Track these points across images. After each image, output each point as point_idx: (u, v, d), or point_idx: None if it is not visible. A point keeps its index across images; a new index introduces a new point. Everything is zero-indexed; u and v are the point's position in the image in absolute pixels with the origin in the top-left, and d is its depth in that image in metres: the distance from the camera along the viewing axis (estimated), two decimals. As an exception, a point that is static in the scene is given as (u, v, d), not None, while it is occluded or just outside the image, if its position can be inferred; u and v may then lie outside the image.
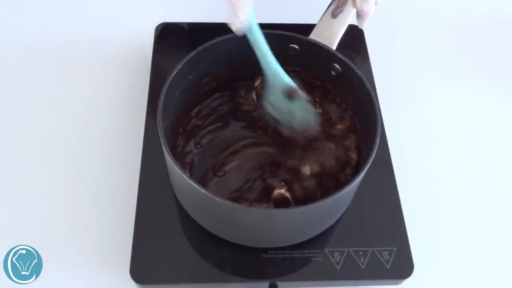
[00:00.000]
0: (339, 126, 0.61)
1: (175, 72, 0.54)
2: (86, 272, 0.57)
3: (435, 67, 0.76)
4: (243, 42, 0.53)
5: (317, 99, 0.61)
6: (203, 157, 0.60)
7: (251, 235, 0.53)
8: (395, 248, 0.55)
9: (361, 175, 0.49)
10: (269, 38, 0.55)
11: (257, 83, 0.62)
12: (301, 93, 0.56)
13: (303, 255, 0.55)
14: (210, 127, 0.62)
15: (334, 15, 0.61)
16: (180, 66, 0.54)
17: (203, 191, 0.47)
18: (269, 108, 0.58)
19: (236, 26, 0.48)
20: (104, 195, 0.61)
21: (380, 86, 0.66)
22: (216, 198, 0.47)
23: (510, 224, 0.63)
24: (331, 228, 0.56)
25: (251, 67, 0.55)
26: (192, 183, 0.47)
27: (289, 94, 0.55)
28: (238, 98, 0.63)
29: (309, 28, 0.61)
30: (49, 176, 0.63)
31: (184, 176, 0.47)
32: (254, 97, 0.62)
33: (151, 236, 0.55)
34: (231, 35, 0.53)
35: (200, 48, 0.56)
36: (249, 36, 0.51)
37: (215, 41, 0.57)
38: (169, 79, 0.53)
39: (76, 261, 0.57)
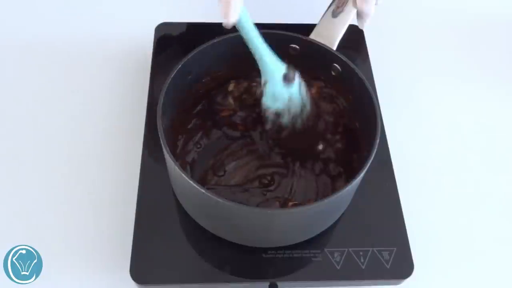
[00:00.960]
0: (339, 129, 0.61)
1: (174, 73, 0.54)
2: (86, 272, 0.57)
3: (435, 67, 0.76)
4: (243, 42, 0.53)
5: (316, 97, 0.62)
6: (203, 156, 0.60)
7: (251, 235, 0.53)
8: (395, 248, 0.55)
9: (361, 175, 0.49)
10: (269, 38, 0.55)
11: (231, 87, 0.61)
12: (294, 70, 0.55)
13: (303, 255, 0.55)
14: (211, 127, 0.62)
15: (335, 15, 0.61)
16: (179, 66, 0.54)
17: (203, 191, 0.47)
18: (269, 101, 0.56)
19: (227, 23, 0.48)
20: (104, 195, 0.61)
21: (380, 86, 0.66)
22: (216, 198, 0.47)
23: (510, 224, 0.63)
24: (331, 228, 0.56)
25: (251, 67, 0.55)
26: (192, 183, 0.47)
27: (288, 78, 0.55)
28: (216, 105, 0.62)
29: (309, 28, 0.61)
30: (49, 176, 0.63)
31: (184, 176, 0.47)
32: (231, 101, 0.62)
33: (151, 236, 0.55)
34: (231, 35, 0.53)
35: (199, 48, 0.56)
36: (240, 31, 0.51)
37: (214, 41, 0.56)
38: (169, 79, 0.53)
39: (76, 261, 0.57)
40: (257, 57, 0.53)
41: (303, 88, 0.57)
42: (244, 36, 0.51)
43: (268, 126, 0.58)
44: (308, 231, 0.54)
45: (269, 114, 0.57)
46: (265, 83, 0.55)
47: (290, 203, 0.57)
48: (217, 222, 0.54)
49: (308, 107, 0.57)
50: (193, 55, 0.55)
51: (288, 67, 0.54)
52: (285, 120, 0.57)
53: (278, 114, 0.57)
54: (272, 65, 0.54)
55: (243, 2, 0.48)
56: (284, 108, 0.56)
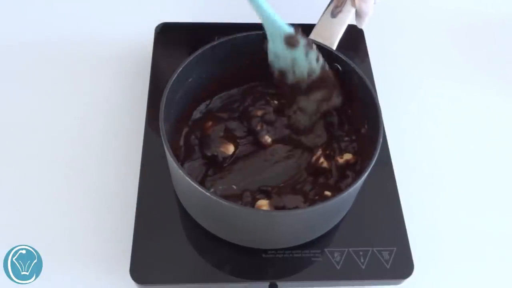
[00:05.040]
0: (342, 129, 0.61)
1: (176, 74, 0.53)
2: (86, 272, 0.57)
3: (435, 67, 0.76)
4: (245, 43, 0.53)
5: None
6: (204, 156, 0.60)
7: (252, 237, 0.53)
8: (395, 248, 0.55)
9: (363, 177, 0.49)
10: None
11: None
12: (301, 37, 0.56)
13: (303, 255, 0.55)
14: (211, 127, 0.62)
15: (334, 15, 0.61)
16: (181, 68, 0.54)
17: (206, 193, 0.47)
18: (272, 58, 0.57)
19: None
20: (104, 195, 0.61)
21: (380, 86, 0.66)
22: (218, 200, 0.47)
23: (510, 225, 0.63)
24: (331, 228, 0.56)
25: (253, 68, 0.55)
26: (194, 184, 0.47)
27: (290, 42, 0.55)
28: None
29: (309, 28, 0.61)
30: (49, 176, 0.63)
31: (187, 178, 0.47)
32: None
33: (151, 236, 0.55)
34: (233, 36, 0.53)
35: (201, 50, 0.55)
36: None
37: (217, 42, 0.56)
38: (171, 81, 0.53)
39: (76, 261, 0.57)
40: (260, 16, 0.54)
41: (314, 56, 0.56)
42: None
43: (274, 80, 0.59)
44: (309, 234, 0.54)
45: (273, 70, 0.58)
46: (268, 41, 0.56)
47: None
48: (218, 223, 0.53)
49: (316, 74, 0.57)
50: (195, 57, 0.55)
51: (295, 31, 0.55)
52: (289, 79, 0.58)
53: (281, 72, 0.58)
54: (272, 25, 0.54)
55: None
56: (287, 68, 0.57)
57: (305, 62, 0.57)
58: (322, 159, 0.58)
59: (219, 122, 0.60)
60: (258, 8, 0.53)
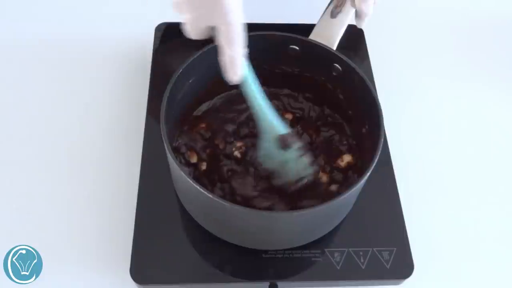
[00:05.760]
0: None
1: (177, 76, 0.53)
2: (86, 272, 0.57)
3: (435, 67, 0.76)
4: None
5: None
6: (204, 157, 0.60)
7: (252, 238, 0.53)
8: (395, 248, 0.55)
9: (365, 178, 0.49)
10: (269, 40, 0.55)
11: None
12: (295, 140, 0.54)
13: (303, 255, 0.55)
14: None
15: (333, 15, 0.61)
16: (181, 69, 0.54)
17: (208, 194, 0.47)
18: (262, 158, 0.56)
19: (232, 81, 0.48)
20: (104, 195, 0.61)
21: (380, 86, 0.66)
22: (219, 200, 0.47)
23: (510, 225, 0.63)
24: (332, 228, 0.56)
25: (254, 68, 0.55)
26: (195, 185, 0.47)
27: (284, 143, 0.53)
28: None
29: (309, 28, 0.61)
30: (49, 176, 0.63)
31: (188, 179, 0.47)
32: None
33: (151, 236, 0.55)
34: None
35: (202, 51, 0.55)
36: (243, 88, 0.50)
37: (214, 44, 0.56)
38: (172, 82, 0.53)
39: (76, 261, 0.57)
40: (255, 112, 0.52)
41: (304, 161, 0.55)
42: (246, 93, 0.51)
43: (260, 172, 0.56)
44: (310, 235, 0.54)
45: (260, 168, 0.56)
46: (260, 139, 0.54)
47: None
48: (220, 225, 0.53)
49: (306, 180, 0.55)
50: (195, 58, 0.55)
51: (289, 133, 0.53)
52: (276, 181, 0.55)
53: (271, 172, 0.56)
54: (268, 124, 0.53)
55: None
56: (277, 170, 0.55)
57: (294, 165, 0.54)
58: (320, 174, 0.57)
59: (213, 125, 0.60)
60: (255, 104, 0.51)
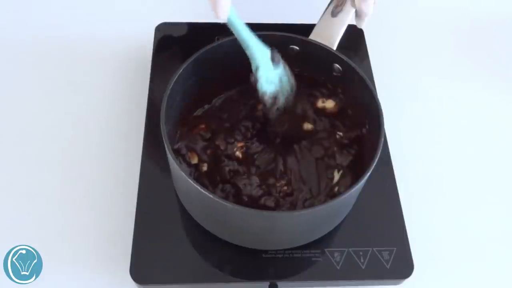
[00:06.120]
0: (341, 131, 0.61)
1: (176, 76, 0.53)
2: (86, 272, 0.57)
3: (435, 67, 0.76)
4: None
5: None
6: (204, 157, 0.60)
7: (253, 237, 0.53)
8: (395, 248, 0.55)
9: (365, 178, 0.49)
10: (269, 40, 0.55)
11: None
12: (279, 55, 0.57)
13: (303, 255, 0.55)
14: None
15: (334, 15, 0.61)
16: (181, 70, 0.54)
17: (209, 194, 0.47)
18: (264, 85, 0.57)
19: (218, 18, 0.50)
20: (104, 195, 0.61)
21: (380, 86, 0.66)
22: (219, 200, 0.47)
23: (510, 225, 0.63)
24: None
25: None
26: (196, 186, 0.47)
27: (274, 58, 0.56)
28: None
29: (309, 28, 0.61)
30: (49, 176, 0.63)
31: (189, 179, 0.47)
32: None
33: (151, 236, 0.55)
34: (234, 36, 0.53)
35: (201, 51, 0.55)
36: (229, 27, 0.53)
37: (217, 43, 0.56)
38: (171, 83, 0.53)
39: (76, 261, 0.57)
40: (245, 46, 0.54)
41: (287, 67, 0.58)
42: (233, 30, 0.53)
43: (270, 114, 0.59)
44: (310, 235, 0.54)
45: (267, 99, 0.58)
46: (257, 69, 0.55)
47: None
48: (220, 225, 0.53)
49: (293, 83, 0.59)
50: (195, 58, 0.55)
51: (271, 50, 0.56)
52: (280, 101, 0.58)
53: (275, 97, 0.58)
54: (260, 51, 0.55)
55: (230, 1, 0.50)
56: (278, 89, 0.57)
57: (285, 75, 0.58)
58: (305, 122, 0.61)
59: (213, 125, 0.60)
60: (243, 37, 0.54)
